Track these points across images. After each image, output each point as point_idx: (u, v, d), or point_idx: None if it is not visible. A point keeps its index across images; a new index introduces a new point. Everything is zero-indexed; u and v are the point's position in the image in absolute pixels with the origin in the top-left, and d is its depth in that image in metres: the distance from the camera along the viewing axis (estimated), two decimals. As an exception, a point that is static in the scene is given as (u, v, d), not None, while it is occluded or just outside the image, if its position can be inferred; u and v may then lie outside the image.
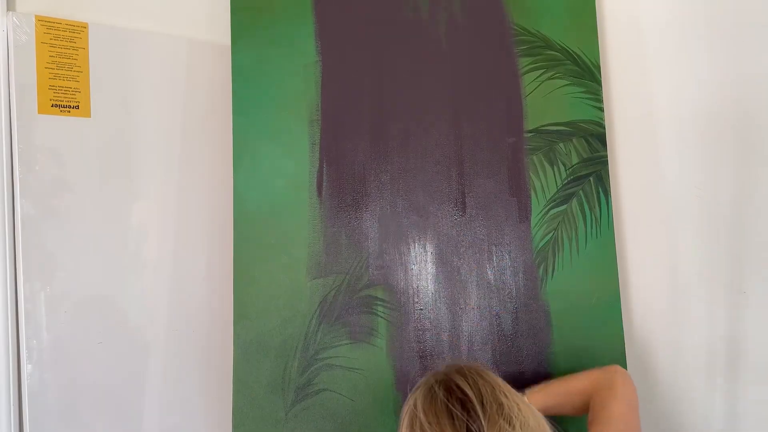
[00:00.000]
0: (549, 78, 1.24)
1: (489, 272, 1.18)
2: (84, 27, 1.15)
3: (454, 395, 0.73)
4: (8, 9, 1.09)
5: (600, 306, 1.20)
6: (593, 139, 1.24)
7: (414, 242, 1.17)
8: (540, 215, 1.20)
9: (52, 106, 1.12)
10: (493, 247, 1.19)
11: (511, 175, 1.21)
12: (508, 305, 1.18)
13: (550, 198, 1.21)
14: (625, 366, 1.18)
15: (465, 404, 0.72)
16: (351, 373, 1.12)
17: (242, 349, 1.10)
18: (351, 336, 1.13)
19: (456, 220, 1.18)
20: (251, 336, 1.10)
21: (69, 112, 1.13)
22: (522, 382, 1.11)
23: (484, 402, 0.72)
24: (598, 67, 1.26)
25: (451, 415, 0.71)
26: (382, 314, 1.14)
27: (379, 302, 1.14)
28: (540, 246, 1.20)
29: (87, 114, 1.15)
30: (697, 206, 1.23)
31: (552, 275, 1.20)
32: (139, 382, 1.19)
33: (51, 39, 1.12)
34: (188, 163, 1.26)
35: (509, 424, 0.69)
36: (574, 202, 1.22)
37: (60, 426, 1.10)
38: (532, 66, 1.24)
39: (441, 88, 1.20)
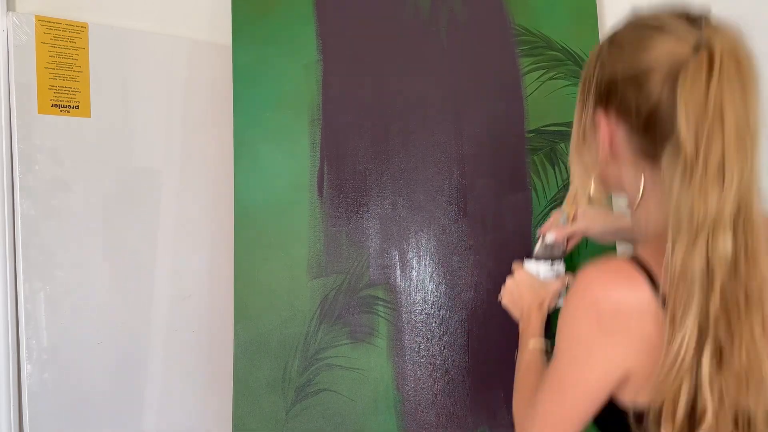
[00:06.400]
0: (550, 78, 1.24)
1: (489, 272, 1.18)
2: (84, 27, 1.15)
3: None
4: (8, 9, 1.09)
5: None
6: (594, 139, 1.24)
7: (414, 242, 1.16)
8: (541, 215, 1.20)
9: (52, 106, 1.12)
10: (494, 247, 1.18)
11: (512, 175, 1.20)
12: (508, 305, 1.17)
13: (551, 198, 1.21)
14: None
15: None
16: (351, 373, 1.12)
17: (242, 348, 1.10)
18: (351, 336, 1.12)
19: (457, 219, 1.18)
20: (251, 335, 1.10)
21: (69, 112, 1.13)
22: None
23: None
24: (599, 67, 1.26)
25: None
26: (382, 314, 1.14)
27: (379, 302, 1.14)
28: (541, 246, 1.20)
29: (87, 114, 1.15)
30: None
31: (553, 275, 1.19)
32: (139, 382, 1.19)
33: (51, 39, 1.12)
34: (189, 163, 1.26)
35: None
36: (575, 202, 1.22)
37: (60, 426, 1.10)
38: (534, 66, 1.23)
39: (442, 88, 1.20)
